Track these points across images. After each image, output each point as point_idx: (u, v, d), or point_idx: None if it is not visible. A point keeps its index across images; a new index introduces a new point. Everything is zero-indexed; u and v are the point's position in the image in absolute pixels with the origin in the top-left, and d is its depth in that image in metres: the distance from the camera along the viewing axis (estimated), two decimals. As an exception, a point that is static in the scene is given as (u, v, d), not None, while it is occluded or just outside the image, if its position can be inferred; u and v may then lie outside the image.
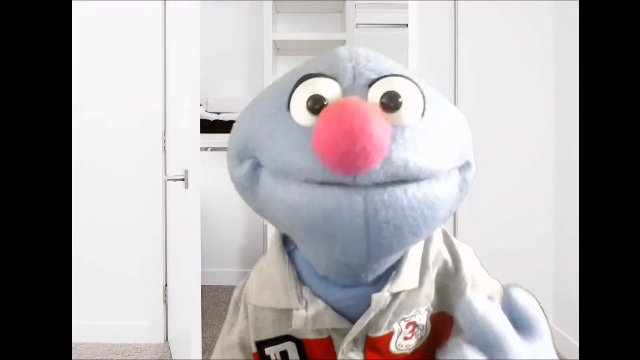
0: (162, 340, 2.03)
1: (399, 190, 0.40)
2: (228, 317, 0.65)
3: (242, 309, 0.62)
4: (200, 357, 1.47)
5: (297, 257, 0.57)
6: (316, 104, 0.43)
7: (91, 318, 2.01)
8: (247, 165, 0.48)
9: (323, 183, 0.41)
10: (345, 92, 0.44)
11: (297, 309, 0.53)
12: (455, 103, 1.93)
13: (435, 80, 1.95)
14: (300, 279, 0.55)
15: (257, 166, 0.47)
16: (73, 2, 1.87)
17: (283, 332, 0.56)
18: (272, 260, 0.58)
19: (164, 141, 2.02)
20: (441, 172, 0.44)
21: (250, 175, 0.47)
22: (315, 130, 0.41)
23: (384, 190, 0.40)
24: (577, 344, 1.79)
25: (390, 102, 0.43)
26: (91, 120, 2.00)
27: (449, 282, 0.56)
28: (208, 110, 2.62)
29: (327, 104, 0.43)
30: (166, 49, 2.00)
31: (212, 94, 2.68)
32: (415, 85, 0.45)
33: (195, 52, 1.45)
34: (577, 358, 1.75)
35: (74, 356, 1.87)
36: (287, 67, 2.82)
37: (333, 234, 0.42)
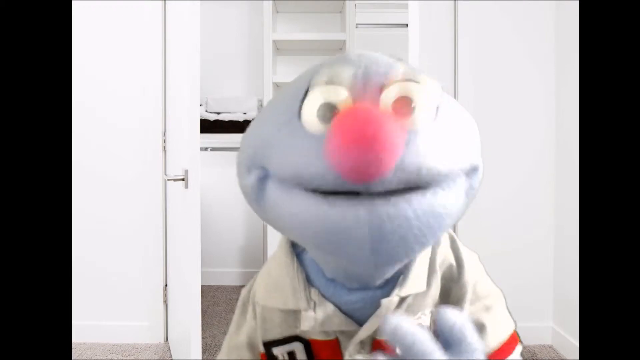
0: (162, 340, 2.03)
1: (403, 202, 0.40)
2: (235, 317, 0.65)
3: (250, 309, 0.62)
4: (200, 357, 1.47)
5: (305, 259, 0.57)
6: (327, 112, 0.43)
7: (91, 318, 2.01)
8: (255, 175, 0.48)
9: (332, 193, 0.41)
10: (356, 98, 0.44)
11: (306, 310, 0.53)
12: (455, 103, 1.93)
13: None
14: (308, 281, 0.55)
15: (264, 177, 0.47)
16: (73, 2, 1.87)
17: (291, 333, 0.57)
18: (280, 262, 0.58)
19: (164, 141, 2.02)
20: (448, 181, 0.44)
21: (257, 185, 0.47)
22: (327, 138, 0.40)
23: (388, 202, 0.40)
24: (577, 344, 1.79)
25: (403, 107, 0.43)
26: (91, 120, 2.00)
27: (451, 286, 0.57)
28: (208, 110, 2.62)
29: (338, 112, 0.43)
30: (166, 49, 2.00)
31: (212, 94, 2.67)
32: (427, 89, 0.45)
33: (195, 52, 1.45)
34: (577, 358, 1.75)
35: (74, 356, 1.87)
36: (287, 67, 2.83)
37: (339, 246, 0.42)
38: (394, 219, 0.40)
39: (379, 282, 0.52)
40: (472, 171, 0.48)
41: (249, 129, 0.52)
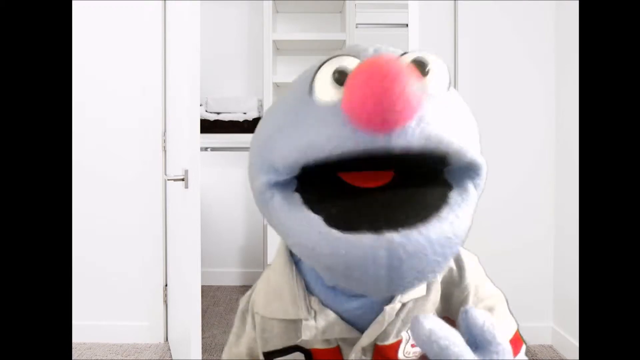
0: (162, 340, 2.03)
1: (422, 239, 0.38)
2: (234, 328, 0.64)
3: (249, 319, 0.61)
4: (200, 357, 1.47)
5: (304, 267, 0.56)
6: (342, 76, 0.41)
7: (91, 318, 2.01)
8: (264, 178, 0.46)
9: (343, 218, 0.39)
10: None
11: (306, 319, 0.53)
12: (455, 103, 1.93)
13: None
14: (308, 289, 0.54)
15: (272, 183, 0.45)
16: (73, 2, 1.87)
17: (291, 343, 0.56)
18: (279, 271, 0.57)
19: (164, 141, 2.02)
20: (461, 192, 0.43)
21: (265, 190, 0.46)
22: (345, 88, 0.39)
23: (408, 241, 0.38)
24: (577, 344, 1.79)
25: (419, 67, 0.42)
26: (91, 120, 2.00)
27: (453, 290, 0.56)
28: (208, 110, 2.61)
29: None
30: (166, 49, 2.00)
31: (212, 94, 2.67)
32: (441, 60, 0.45)
33: (195, 52, 1.45)
34: (577, 358, 1.75)
35: (74, 356, 1.87)
36: (287, 67, 2.83)
37: (353, 279, 0.40)
38: (413, 258, 0.38)
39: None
40: (476, 172, 0.47)
41: (257, 130, 0.50)
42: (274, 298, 0.57)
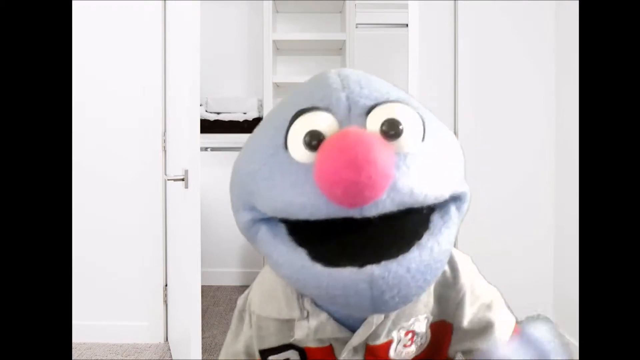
0: (162, 340, 2.03)
1: (401, 270, 0.39)
2: (232, 326, 0.66)
3: (246, 318, 0.63)
4: (200, 357, 1.47)
5: None
6: (313, 140, 0.42)
7: (91, 318, 2.00)
8: (246, 216, 0.47)
9: (322, 254, 0.40)
10: (342, 123, 0.43)
11: (299, 320, 0.54)
12: (455, 103, 1.93)
13: (435, 80, 1.95)
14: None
15: (256, 219, 0.46)
16: (73, 2, 1.87)
17: (286, 341, 0.57)
18: (273, 273, 0.57)
19: (164, 141, 2.02)
20: (443, 215, 0.44)
21: (250, 226, 0.47)
22: (317, 164, 0.40)
23: (387, 273, 0.39)
24: (577, 344, 1.79)
25: (391, 130, 0.42)
26: (91, 120, 2.00)
27: (448, 292, 0.57)
28: (208, 110, 2.61)
29: (324, 139, 0.42)
30: (166, 49, 2.00)
31: (212, 94, 2.67)
32: (413, 110, 0.44)
33: (195, 52, 1.45)
34: (577, 358, 1.74)
35: (74, 356, 1.87)
36: (287, 67, 2.83)
37: (339, 307, 0.43)
38: (394, 287, 0.39)
39: None
40: (460, 199, 0.47)
41: (236, 163, 0.51)
42: (268, 298, 0.58)
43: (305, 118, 0.44)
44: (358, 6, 2.40)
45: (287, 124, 0.45)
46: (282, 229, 0.44)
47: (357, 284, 0.39)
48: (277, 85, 2.65)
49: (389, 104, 0.44)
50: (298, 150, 0.43)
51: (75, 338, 1.96)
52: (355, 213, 0.39)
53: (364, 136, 0.39)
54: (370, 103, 0.44)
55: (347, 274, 0.39)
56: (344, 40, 2.54)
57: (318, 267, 0.40)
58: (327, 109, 0.44)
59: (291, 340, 0.56)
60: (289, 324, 0.56)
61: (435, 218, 0.44)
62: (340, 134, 0.40)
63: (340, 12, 2.74)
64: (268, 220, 0.46)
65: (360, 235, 0.42)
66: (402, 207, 0.40)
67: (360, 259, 0.40)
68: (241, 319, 0.64)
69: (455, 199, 0.47)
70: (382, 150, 0.39)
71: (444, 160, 0.45)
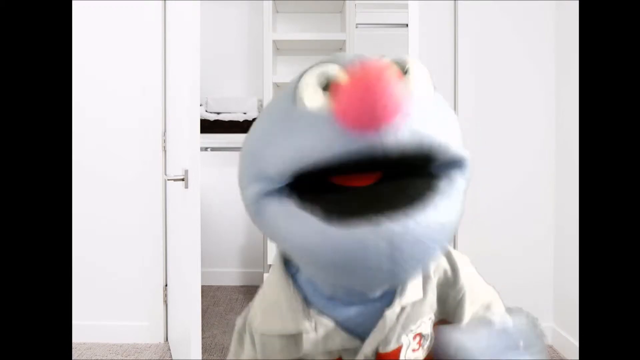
0: (162, 340, 2.03)
1: (419, 228, 0.40)
2: (232, 349, 0.64)
3: (247, 339, 0.60)
4: (200, 357, 1.47)
5: (300, 279, 0.55)
6: (324, 81, 0.43)
7: (91, 318, 2.00)
8: (256, 188, 0.46)
9: (338, 212, 0.40)
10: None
11: (307, 332, 0.52)
12: (455, 103, 1.93)
13: (435, 80, 1.94)
14: (306, 301, 0.54)
15: (264, 192, 0.46)
16: (73, 2, 1.87)
17: (293, 358, 0.55)
18: (275, 285, 0.57)
19: (164, 141, 2.02)
20: (448, 182, 0.45)
21: (257, 199, 0.46)
22: (334, 94, 0.41)
23: (406, 231, 0.39)
24: (577, 344, 1.79)
25: (398, 66, 0.44)
26: (91, 120, 2.00)
27: (448, 291, 0.57)
28: (208, 110, 2.61)
29: (335, 83, 0.43)
30: (166, 49, 2.00)
31: (212, 94, 2.67)
32: (421, 66, 0.47)
33: (195, 52, 1.45)
34: (577, 358, 1.75)
35: (74, 356, 1.87)
36: (287, 67, 2.83)
37: (355, 273, 0.41)
38: (414, 245, 0.40)
39: (379, 293, 0.52)
40: (462, 165, 0.48)
41: (245, 141, 0.51)
42: (272, 314, 0.56)
43: (315, 69, 0.45)
44: (358, 6, 2.40)
45: (295, 83, 0.46)
46: (291, 203, 0.44)
47: (376, 242, 0.39)
48: (277, 86, 2.65)
49: (398, 56, 0.46)
50: (310, 95, 0.43)
51: (75, 338, 1.96)
52: (372, 141, 0.39)
53: (380, 65, 0.40)
54: (376, 56, 0.46)
55: (365, 232, 0.39)
56: (344, 40, 2.54)
57: (334, 230, 0.40)
58: (335, 62, 0.45)
59: (299, 356, 0.55)
60: (295, 339, 0.54)
61: (442, 184, 0.45)
62: (357, 66, 0.41)
63: (340, 12, 2.74)
64: (276, 195, 0.45)
65: (370, 195, 0.42)
66: (415, 142, 0.41)
67: (377, 217, 0.39)
68: (241, 341, 0.62)
69: (457, 166, 0.47)
70: (397, 79, 0.40)
71: (448, 115, 0.47)
